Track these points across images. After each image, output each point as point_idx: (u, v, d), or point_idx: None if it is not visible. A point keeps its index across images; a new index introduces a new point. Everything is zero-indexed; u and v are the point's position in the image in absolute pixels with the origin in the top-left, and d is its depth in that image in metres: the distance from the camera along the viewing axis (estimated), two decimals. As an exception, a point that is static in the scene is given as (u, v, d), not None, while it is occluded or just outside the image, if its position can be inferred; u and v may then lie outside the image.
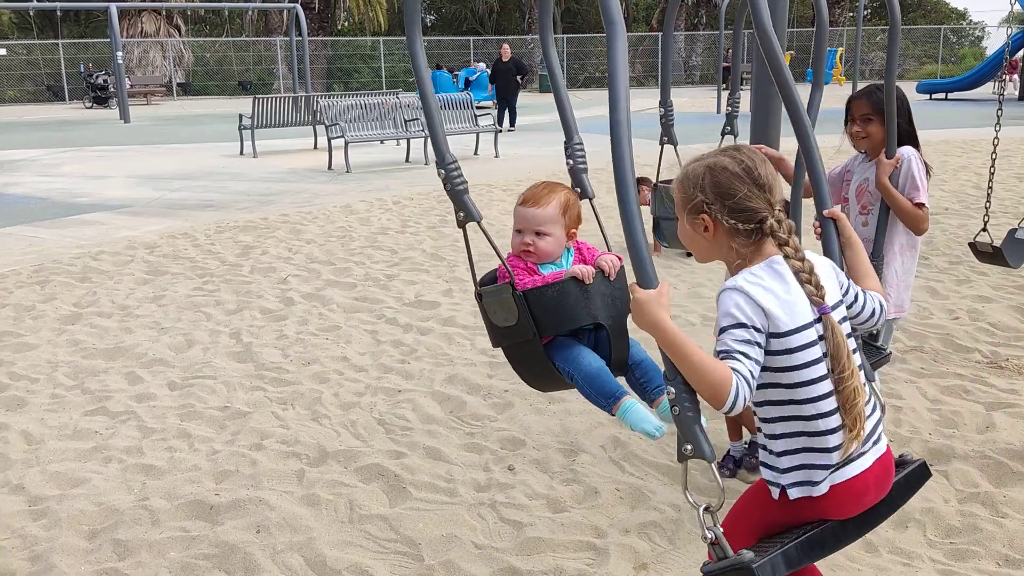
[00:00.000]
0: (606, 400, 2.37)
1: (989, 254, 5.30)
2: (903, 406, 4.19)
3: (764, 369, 1.85)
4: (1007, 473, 3.51)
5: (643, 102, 24.20)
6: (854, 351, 1.94)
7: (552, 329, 2.40)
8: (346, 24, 41.17)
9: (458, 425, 4.18)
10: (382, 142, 15.51)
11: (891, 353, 3.38)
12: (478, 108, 15.83)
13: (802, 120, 2.32)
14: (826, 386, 1.88)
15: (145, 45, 36.09)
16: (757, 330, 1.82)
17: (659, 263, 7.10)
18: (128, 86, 27.01)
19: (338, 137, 13.47)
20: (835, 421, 1.90)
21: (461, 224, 2.42)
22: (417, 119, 14.25)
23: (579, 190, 2.66)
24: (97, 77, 30.63)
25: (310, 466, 3.78)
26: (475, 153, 14.94)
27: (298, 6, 21.86)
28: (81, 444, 4.03)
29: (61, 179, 12.78)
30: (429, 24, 48.61)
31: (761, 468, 2.03)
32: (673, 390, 1.80)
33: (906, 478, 2.14)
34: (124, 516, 3.35)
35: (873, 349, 3.33)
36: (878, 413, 2.05)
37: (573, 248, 2.59)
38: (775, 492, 1.97)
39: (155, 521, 3.33)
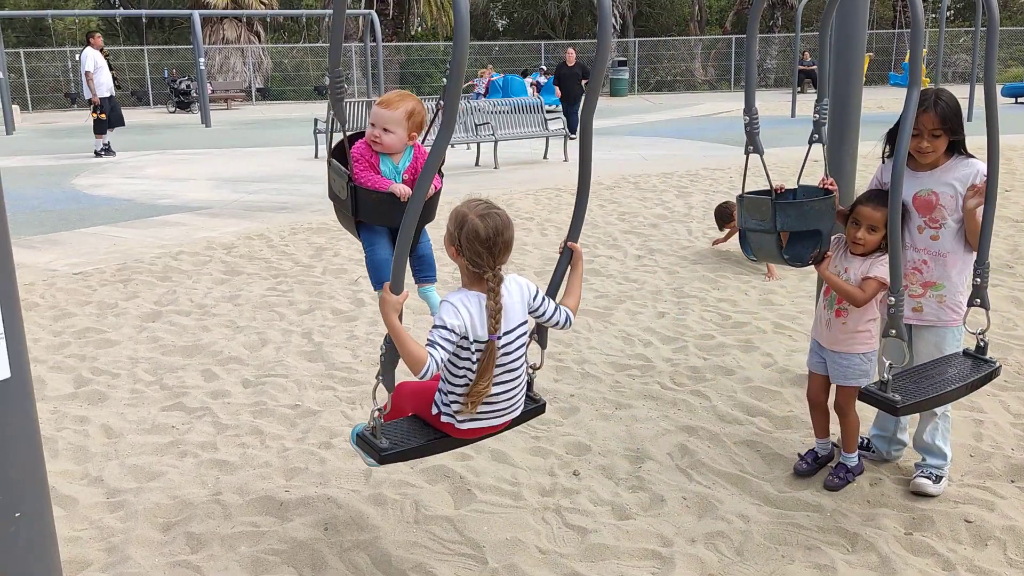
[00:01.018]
0: (376, 285, 3.14)
1: None
2: (985, 420, 4.04)
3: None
4: (1096, 493, 3.35)
5: (716, 105, 23.89)
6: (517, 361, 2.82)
7: (367, 218, 3.18)
8: (419, 29, 41.63)
9: (524, 429, 4.17)
10: (453, 146, 15.62)
11: (999, 366, 3.28)
12: (548, 112, 15.83)
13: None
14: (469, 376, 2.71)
15: (226, 51, 37.10)
16: (459, 336, 2.63)
17: (735, 271, 6.99)
18: (209, 91, 27.81)
19: (410, 141, 13.60)
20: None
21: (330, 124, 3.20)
22: (488, 123, 14.34)
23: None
24: (180, 83, 31.61)
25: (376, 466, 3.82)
26: (544, 157, 14.95)
27: (373, 12, 22.21)
28: (158, 438, 4.16)
29: (145, 181, 13.22)
30: (501, 28, 48.82)
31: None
32: (384, 347, 2.69)
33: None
34: (197, 510, 3.45)
35: (982, 363, 3.24)
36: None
37: (413, 148, 3.28)
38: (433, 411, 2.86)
39: (227, 515, 3.42)
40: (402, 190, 3.11)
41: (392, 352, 2.67)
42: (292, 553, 3.14)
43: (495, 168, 13.88)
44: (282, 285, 6.88)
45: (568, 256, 3.03)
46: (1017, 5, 45.24)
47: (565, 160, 14.53)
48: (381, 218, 3.16)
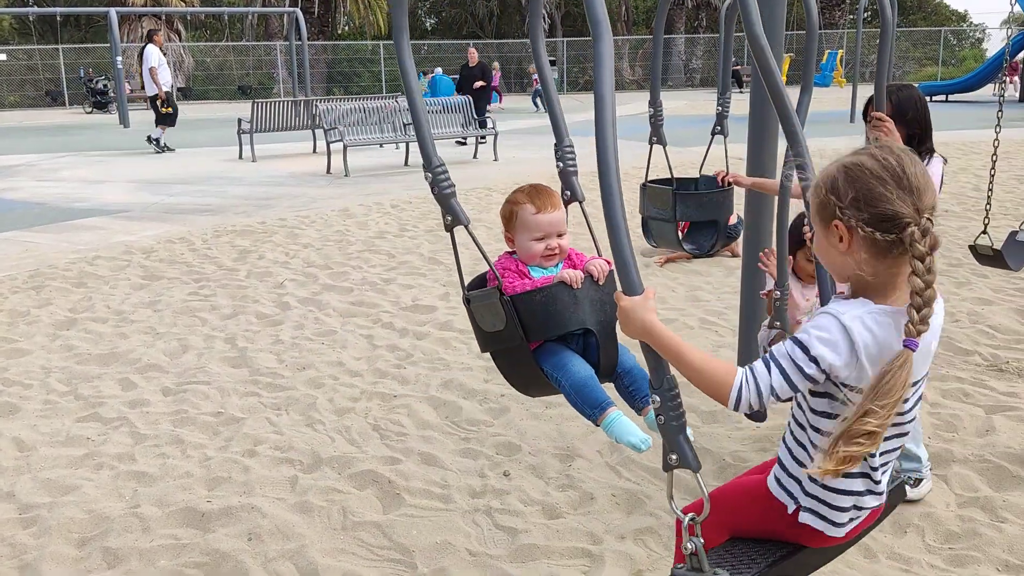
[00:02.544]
0: (592, 410, 2.34)
1: (990, 257, 5.27)
2: (902, 410, 4.16)
3: (827, 397, 1.76)
4: (1007, 477, 3.47)
5: (643, 105, 24.19)
6: (906, 412, 1.80)
7: (540, 335, 2.37)
8: (346, 28, 41.20)
9: (453, 430, 4.15)
10: (381, 146, 15.49)
11: None
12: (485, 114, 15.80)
13: (791, 121, 2.29)
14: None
15: (145, 50, 36.10)
16: (821, 371, 1.69)
17: (667, 268, 7.07)
18: (128, 91, 27.00)
19: (337, 141, 13.46)
20: (869, 464, 1.82)
21: (449, 228, 2.40)
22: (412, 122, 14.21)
23: (568, 193, 2.62)
24: (97, 82, 30.65)
25: (303, 472, 3.74)
26: (474, 156, 14.91)
27: (298, 11, 21.85)
28: (73, 451, 4.00)
29: (59, 184, 12.76)
30: (429, 28, 48.64)
31: (776, 481, 1.95)
32: (658, 398, 1.77)
33: (891, 495, 2.09)
34: (114, 524, 3.32)
35: None
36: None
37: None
38: (789, 506, 1.91)
39: (146, 528, 3.30)
40: (572, 275, 2.37)
41: (674, 406, 1.78)
42: (214, 565, 3.05)
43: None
44: (204, 289, 6.70)
45: None
46: (932, 6, 46.95)
47: (495, 159, 14.52)
48: (557, 325, 2.36)
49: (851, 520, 1.89)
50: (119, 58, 23.86)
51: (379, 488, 3.58)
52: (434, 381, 4.72)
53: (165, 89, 16.52)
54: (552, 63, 35.84)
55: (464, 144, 16.35)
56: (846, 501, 1.86)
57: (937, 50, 38.97)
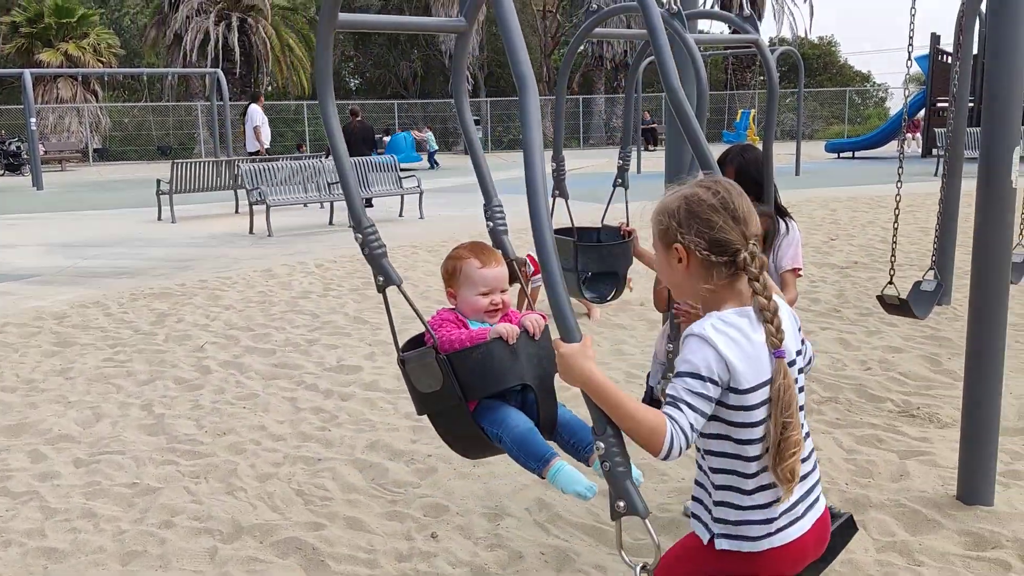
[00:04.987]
0: (536, 462, 2.32)
1: (896, 306, 5.49)
2: (820, 457, 4.25)
3: (716, 420, 1.85)
4: (922, 521, 3.57)
5: (568, 163, 24.56)
6: (800, 407, 1.90)
7: (479, 392, 2.35)
8: (269, 88, 41.10)
9: (380, 493, 4.08)
10: (305, 205, 15.40)
11: None
12: (403, 170, 15.87)
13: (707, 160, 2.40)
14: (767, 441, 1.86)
15: (60, 111, 35.39)
16: (714, 383, 1.80)
17: (591, 322, 7.14)
18: (42, 152, 26.37)
19: (259, 202, 13.33)
20: (769, 477, 1.89)
21: (381, 288, 2.38)
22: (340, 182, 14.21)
23: (500, 252, 2.65)
24: (10, 144, 29.85)
25: (223, 543, 3.62)
26: (400, 215, 14.93)
27: (219, 71, 21.78)
28: (-24, 529, 3.80)
29: (-33, 248, 12.30)
30: (353, 88, 48.88)
31: (692, 517, 2.01)
32: (602, 445, 1.80)
33: (839, 532, 2.14)
34: (20, 605, 3.15)
35: None
36: (817, 472, 2.04)
37: None
38: (704, 537, 1.95)
39: (54, 609, 3.14)
40: (508, 329, 2.36)
41: (619, 452, 1.83)
42: (128, 645, 2.91)
43: (350, 227, 13.72)
44: (120, 355, 6.50)
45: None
46: (837, 67, 49.29)
47: (421, 218, 14.56)
48: (495, 382, 2.34)
49: (767, 535, 1.91)
50: (33, 120, 23.33)
51: (303, 556, 3.48)
52: (359, 443, 4.65)
53: (266, 146, 18.03)
54: (476, 122, 36.41)
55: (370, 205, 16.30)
56: (755, 515, 1.91)
57: (843, 109, 40.87)
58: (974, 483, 3.69)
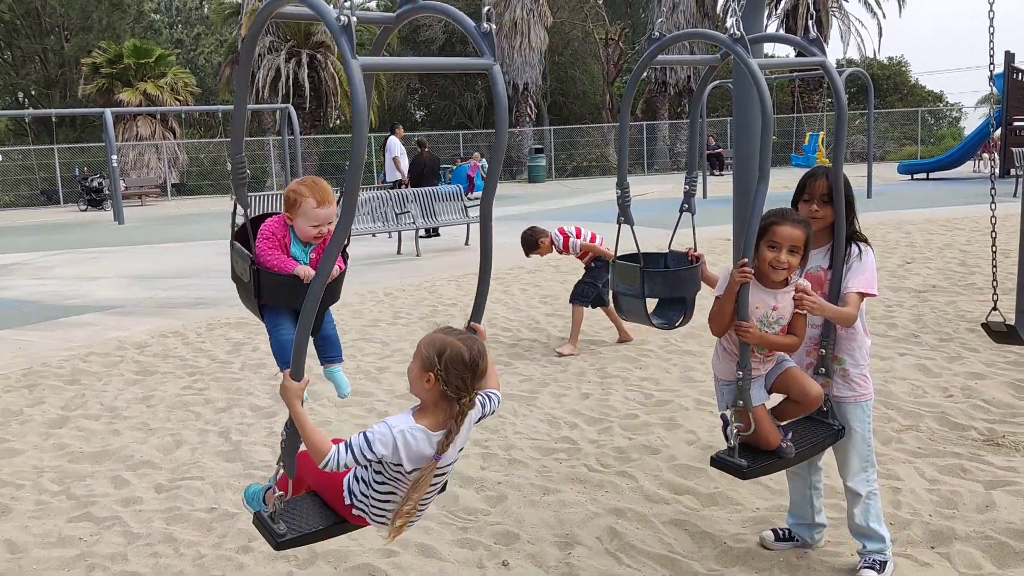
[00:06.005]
0: (280, 364, 3.08)
1: (1004, 333, 5.20)
2: (902, 487, 4.13)
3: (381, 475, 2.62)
4: (1009, 553, 3.44)
5: (634, 189, 24.48)
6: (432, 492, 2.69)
7: (270, 300, 3.13)
8: (338, 122, 42.05)
9: (451, 520, 4.10)
10: (374, 235, 15.66)
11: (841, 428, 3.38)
12: (468, 200, 16.05)
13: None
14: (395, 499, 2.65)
15: (140, 148, 36.74)
16: (377, 459, 2.53)
17: (661, 349, 7.09)
18: (123, 188, 27.37)
19: (330, 232, 13.59)
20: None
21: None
22: (408, 211, 14.44)
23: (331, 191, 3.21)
24: (92, 180, 31.06)
25: (299, 568, 3.68)
26: (466, 243, 15.07)
27: (290, 106, 22.37)
28: (65, 552, 3.93)
29: (53, 281, 12.82)
30: (419, 119, 49.67)
31: (350, 484, 2.75)
32: (285, 432, 2.64)
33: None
34: (106, 627, 3.24)
35: (825, 425, 3.36)
36: None
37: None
38: (347, 500, 2.74)
39: (138, 631, 3.22)
40: (305, 272, 3.08)
41: (294, 438, 2.63)
42: (208, 668, 2.97)
43: (417, 256, 13.92)
44: (198, 383, 6.68)
45: None
46: (908, 87, 48.25)
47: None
48: (284, 300, 3.12)
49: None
50: (114, 156, 24.27)
51: (376, 582, 3.51)
52: (430, 470, 4.67)
53: (408, 175, 18.28)
54: (539, 151, 36.56)
55: (437, 235, 16.48)
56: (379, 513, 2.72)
57: (915, 129, 39.92)
58: (1066, 515, 3.55)
